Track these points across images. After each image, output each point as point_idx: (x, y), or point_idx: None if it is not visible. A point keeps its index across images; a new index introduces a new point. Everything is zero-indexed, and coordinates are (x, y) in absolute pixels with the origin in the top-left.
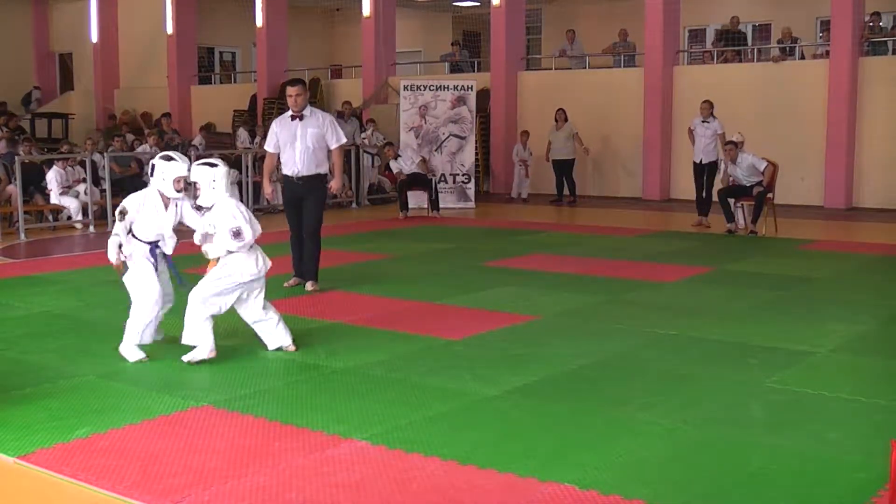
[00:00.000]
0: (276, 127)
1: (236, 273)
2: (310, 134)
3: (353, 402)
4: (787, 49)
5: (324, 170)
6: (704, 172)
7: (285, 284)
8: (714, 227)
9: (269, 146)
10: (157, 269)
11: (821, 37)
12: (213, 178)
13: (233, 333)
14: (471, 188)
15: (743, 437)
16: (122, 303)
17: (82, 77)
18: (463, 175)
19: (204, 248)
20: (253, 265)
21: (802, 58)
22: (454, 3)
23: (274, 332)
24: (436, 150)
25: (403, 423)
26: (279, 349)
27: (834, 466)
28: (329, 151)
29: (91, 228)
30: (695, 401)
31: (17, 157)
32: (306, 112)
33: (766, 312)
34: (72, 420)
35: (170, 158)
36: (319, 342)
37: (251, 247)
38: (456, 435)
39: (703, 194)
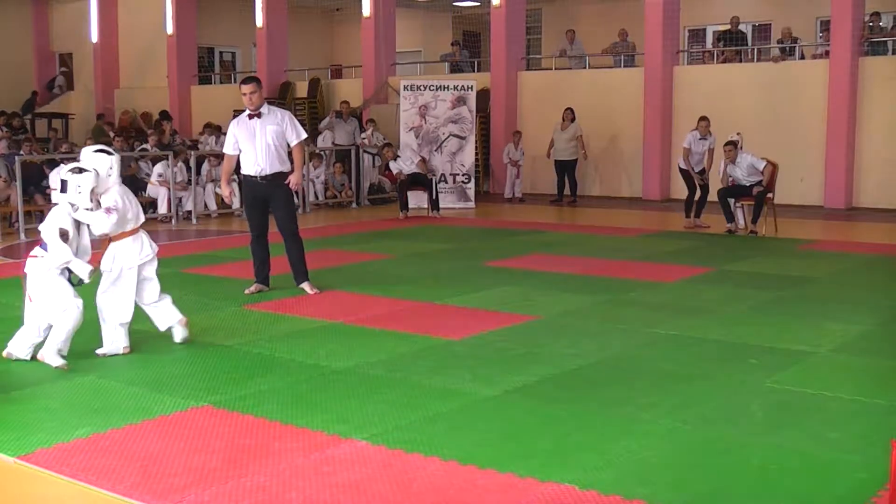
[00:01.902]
0: (234, 128)
1: (122, 259)
2: (269, 131)
3: (353, 402)
4: (787, 49)
5: (287, 167)
6: (691, 177)
7: (246, 292)
8: (714, 227)
9: (227, 148)
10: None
11: (821, 37)
12: (111, 165)
13: (233, 333)
14: (471, 188)
15: (743, 437)
16: None
17: (82, 77)
18: (463, 175)
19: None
20: (137, 251)
21: (802, 58)
22: (454, 3)
23: (167, 312)
24: (436, 150)
25: (403, 423)
26: (170, 329)
27: (834, 466)
28: (290, 149)
29: None
30: (695, 401)
31: (17, 157)
32: (264, 110)
33: (765, 312)
34: (72, 420)
35: (82, 171)
36: (319, 342)
37: (136, 233)
38: (456, 435)
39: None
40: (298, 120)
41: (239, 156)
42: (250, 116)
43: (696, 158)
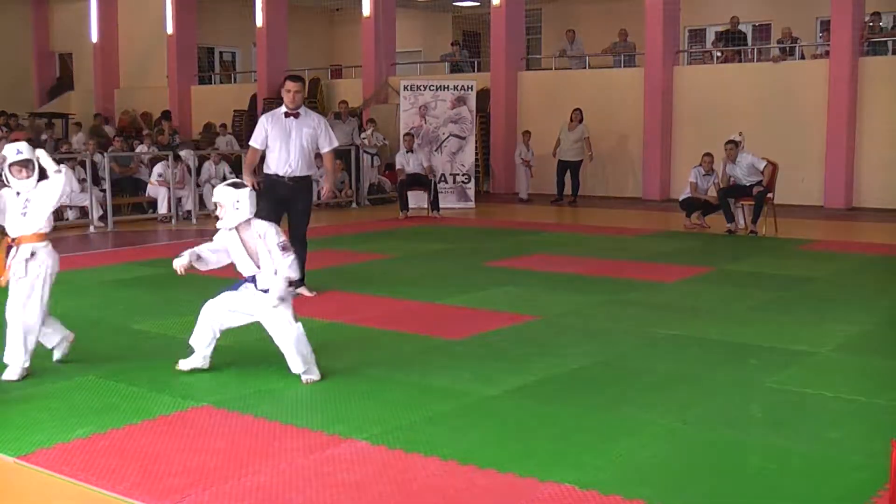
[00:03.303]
0: (266, 123)
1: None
2: (305, 134)
3: (353, 402)
4: (787, 49)
5: (313, 171)
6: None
7: None
8: (714, 227)
9: (255, 142)
10: None
11: (821, 37)
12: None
13: (233, 333)
14: (471, 188)
15: (743, 437)
16: (122, 303)
17: (82, 77)
18: (463, 175)
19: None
20: None
21: (802, 58)
22: (454, 3)
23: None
24: (436, 150)
25: (403, 423)
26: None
27: (834, 466)
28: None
29: (91, 228)
30: (695, 401)
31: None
32: (301, 111)
33: (766, 312)
34: (72, 420)
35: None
36: (319, 342)
37: None
38: (456, 435)
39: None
40: None
41: (265, 153)
42: (286, 115)
43: (702, 192)
